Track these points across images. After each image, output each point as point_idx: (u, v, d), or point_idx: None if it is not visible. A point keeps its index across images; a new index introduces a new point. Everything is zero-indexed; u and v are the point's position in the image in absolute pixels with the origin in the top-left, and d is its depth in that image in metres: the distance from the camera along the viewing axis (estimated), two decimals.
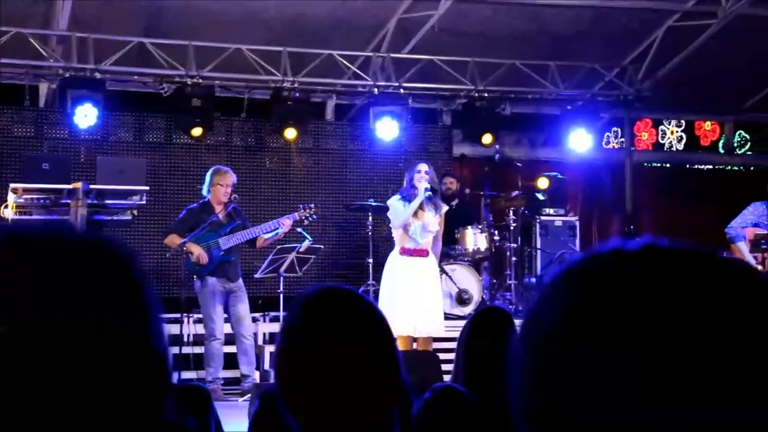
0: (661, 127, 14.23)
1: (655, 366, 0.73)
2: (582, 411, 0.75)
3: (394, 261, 7.91)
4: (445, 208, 8.02)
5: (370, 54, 11.11)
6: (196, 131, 10.39)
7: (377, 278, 9.83)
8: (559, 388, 0.77)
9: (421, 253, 7.85)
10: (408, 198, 7.79)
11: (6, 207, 8.18)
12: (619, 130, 13.51)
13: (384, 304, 7.70)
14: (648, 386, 0.73)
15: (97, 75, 10.08)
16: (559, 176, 11.64)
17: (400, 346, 7.55)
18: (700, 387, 0.72)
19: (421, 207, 7.80)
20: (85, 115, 9.87)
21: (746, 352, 0.73)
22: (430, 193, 7.78)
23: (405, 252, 7.84)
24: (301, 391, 1.73)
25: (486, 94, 11.30)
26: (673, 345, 0.73)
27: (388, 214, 8.02)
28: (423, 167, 7.91)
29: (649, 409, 0.73)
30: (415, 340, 7.83)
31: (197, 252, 8.18)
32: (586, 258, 0.83)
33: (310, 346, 1.74)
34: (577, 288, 0.80)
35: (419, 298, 7.71)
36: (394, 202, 7.89)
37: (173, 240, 8.27)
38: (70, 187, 8.25)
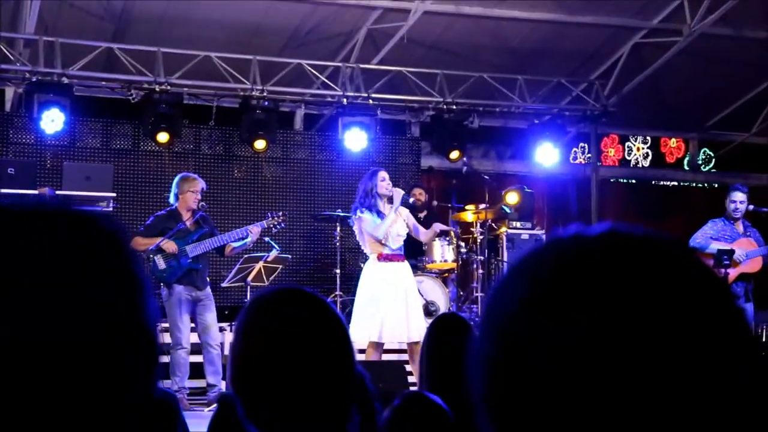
0: (627, 143, 14.38)
1: (611, 347, 0.75)
2: (544, 393, 0.76)
3: (372, 269, 7.82)
4: (402, 209, 7.89)
5: (339, 64, 11.12)
6: (163, 137, 10.30)
7: (344, 288, 9.82)
8: (521, 371, 0.78)
9: (398, 258, 7.85)
10: (372, 207, 7.73)
11: None
12: (586, 145, 13.63)
13: (360, 312, 7.73)
14: (606, 365, 0.75)
15: (65, 80, 9.99)
16: (527, 189, 11.71)
17: (370, 352, 7.55)
18: (656, 369, 0.75)
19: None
20: (52, 120, 9.77)
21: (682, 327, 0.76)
22: (407, 198, 7.82)
23: (383, 258, 7.79)
24: (255, 389, 1.73)
25: (454, 107, 11.35)
26: (628, 325, 0.75)
27: (360, 226, 7.84)
28: (385, 174, 7.88)
29: (610, 389, 0.74)
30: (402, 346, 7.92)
31: (172, 247, 8.11)
32: (548, 243, 0.85)
33: (263, 343, 1.74)
34: (541, 271, 0.81)
35: (405, 304, 7.69)
36: (365, 216, 7.76)
37: (139, 242, 8.13)
38: (36, 192, 8.16)
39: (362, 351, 7.68)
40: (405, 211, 7.93)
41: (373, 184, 7.76)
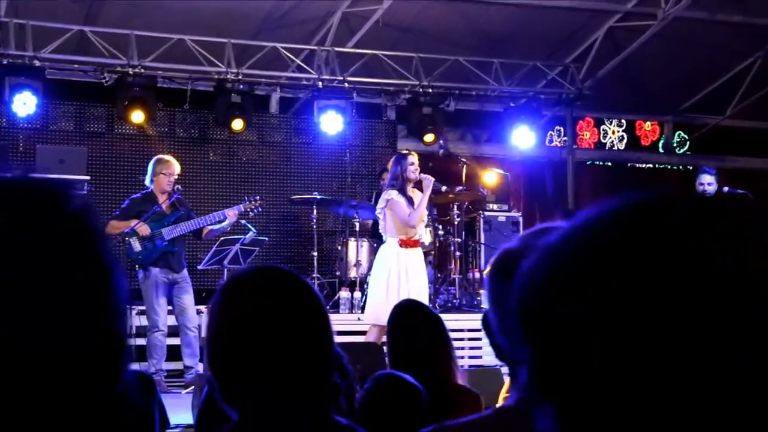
0: (602, 126, 14.43)
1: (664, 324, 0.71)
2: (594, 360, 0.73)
3: (395, 253, 7.72)
4: (428, 193, 7.86)
5: (315, 47, 11.07)
6: (138, 117, 10.20)
7: (322, 271, 9.81)
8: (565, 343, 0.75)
9: (417, 244, 7.92)
10: (402, 191, 7.65)
11: None
12: (561, 128, 13.66)
13: (376, 294, 7.73)
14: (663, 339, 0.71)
15: (36, 63, 9.88)
16: (503, 172, 11.72)
17: (372, 333, 7.53)
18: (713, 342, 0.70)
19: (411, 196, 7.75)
20: (24, 103, 9.68)
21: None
22: (438, 186, 7.84)
23: (405, 244, 7.75)
24: (232, 369, 1.69)
25: (430, 90, 11.34)
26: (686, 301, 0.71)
27: (389, 208, 7.71)
28: (414, 158, 7.80)
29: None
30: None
31: (145, 231, 8.08)
32: (597, 215, 0.80)
33: (239, 322, 1.71)
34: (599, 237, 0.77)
35: (417, 288, 7.66)
36: (400, 200, 7.67)
37: (114, 226, 8.09)
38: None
39: (362, 333, 7.69)
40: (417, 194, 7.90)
41: (403, 168, 7.70)
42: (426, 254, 10.08)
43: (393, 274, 7.69)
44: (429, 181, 7.75)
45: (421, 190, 7.83)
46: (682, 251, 0.73)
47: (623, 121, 14.48)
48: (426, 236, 9.88)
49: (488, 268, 1.76)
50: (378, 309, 7.56)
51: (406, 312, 3.97)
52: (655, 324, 0.71)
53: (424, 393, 3.15)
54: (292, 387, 1.70)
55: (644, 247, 0.74)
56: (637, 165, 14.49)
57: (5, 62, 9.81)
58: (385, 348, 7.49)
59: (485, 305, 7.91)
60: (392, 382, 3.18)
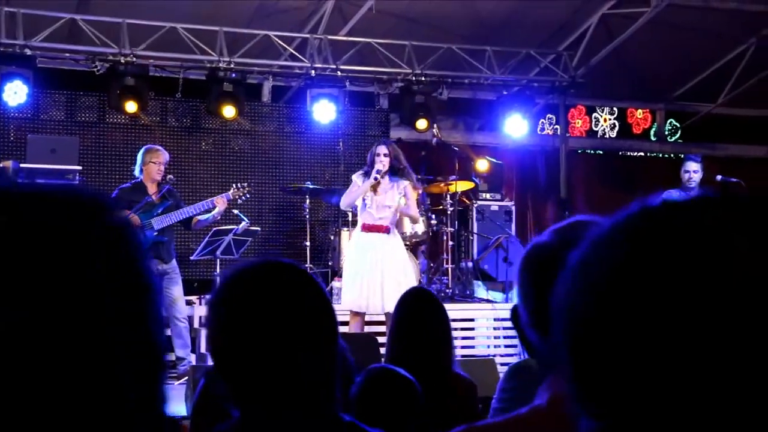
0: (594, 114, 14.42)
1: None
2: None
3: (355, 239, 8.13)
4: (405, 182, 8.03)
5: (307, 35, 11.02)
6: (131, 107, 10.16)
7: (315, 261, 9.80)
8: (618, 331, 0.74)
9: (380, 228, 7.96)
10: (366, 174, 7.97)
11: None
12: (554, 116, 13.65)
13: (345, 282, 7.98)
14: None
15: (27, 51, 9.82)
16: (496, 161, 11.71)
17: (352, 322, 7.67)
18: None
19: (378, 183, 7.92)
20: (15, 92, 9.62)
21: None
22: (377, 176, 7.87)
23: (364, 228, 8.00)
24: (237, 366, 1.67)
25: (423, 78, 11.31)
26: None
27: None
28: (381, 149, 8.04)
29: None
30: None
31: (135, 221, 8.06)
32: (655, 207, 0.79)
33: (242, 317, 1.68)
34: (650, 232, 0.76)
35: (373, 275, 7.80)
36: (354, 178, 8.09)
37: None
38: None
39: (345, 323, 7.74)
40: (409, 189, 8.03)
41: (371, 156, 8.04)
42: (419, 244, 10.10)
43: (355, 258, 7.93)
44: (376, 171, 7.90)
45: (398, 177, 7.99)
46: (743, 260, 0.72)
47: (615, 109, 14.47)
48: (419, 226, 9.88)
49: (520, 263, 1.74)
50: (352, 295, 7.84)
51: (415, 298, 4.00)
52: (713, 336, 0.71)
53: (418, 386, 3.16)
54: (296, 386, 1.68)
55: (704, 259, 0.72)
56: (629, 153, 14.49)
57: None
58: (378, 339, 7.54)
59: (484, 294, 7.91)
60: (386, 376, 3.18)
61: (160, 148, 8.44)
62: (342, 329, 7.92)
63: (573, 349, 0.77)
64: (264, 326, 1.66)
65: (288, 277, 1.74)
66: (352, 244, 8.16)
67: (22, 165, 8.13)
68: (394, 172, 8.00)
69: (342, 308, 7.79)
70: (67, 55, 10.45)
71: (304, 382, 1.68)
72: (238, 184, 8.84)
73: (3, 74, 9.63)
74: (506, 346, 9.10)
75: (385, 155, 7.97)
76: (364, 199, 7.97)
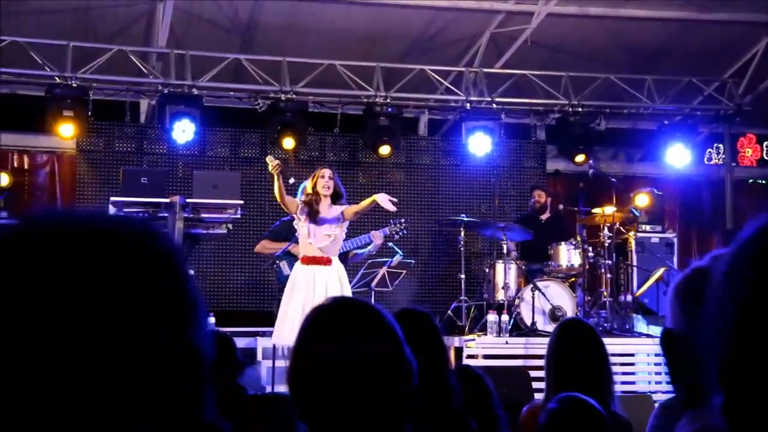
0: (766, 143, 13.81)
1: None
2: None
3: (294, 272, 7.63)
4: (340, 208, 7.64)
5: (463, 69, 11.08)
6: (289, 143, 10.50)
7: (469, 293, 9.77)
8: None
9: (320, 261, 7.50)
10: (311, 204, 7.60)
11: None
12: (721, 146, 13.15)
13: (279, 315, 7.51)
14: None
15: (195, 91, 10.28)
16: (657, 192, 11.38)
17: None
18: None
19: (317, 212, 7.55)
20: (183, 131, 10.08)
21: None
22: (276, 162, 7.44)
23: (304, 260, 7.54)
24: (309, 396, 1.71)
25: (580, 109, 11.15)
26: None
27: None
28: (326, 172, 7.75)
29: None
30: None
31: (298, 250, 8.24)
32: None
33: (316, 355, 1.72)
34: None
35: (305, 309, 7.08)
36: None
37: (265, 246, 8.33)
38: (167, 200, 8.41)
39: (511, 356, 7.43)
40: (335, 206, 7.68)
41: (314, 180, 7.69)
42: (575, 277, 9.91)
43: (293, 292, 7.41)
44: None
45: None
46: None
47: None
48: (575, 258, 9.70)
49: (675, 286, 1.70)
50: (278, 329, 7.40)
51: (571, 330, 3.90)
52: None
53: (607, 419, 3.12)
54: (364, 421, 1.71)
55: None
56: None
57: (166, 91, 10.27)
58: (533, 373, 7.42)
59: (644, 329, 7.63)
60: (578, 405, 3.14)
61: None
62: (506, 363, 7.76)
63: (722, 363, 0.76)
64: (335, 376, 1.70)
65: (358, 317, 1.76)
66: (291, 278, 7.56)
67: (188, 200, 8.47)
68: (335, 199, 7.67)
69: (277, 342, 7.48)
70: (232, 93, 10.88)
71: (371, 418, 1.71)
72: (395, 220, 8.88)
73: (172, 113, 10.10)
74: (668, 383, 8.76)
75: (330, 178, 7.66)
76: (305, 229, 7.52)
